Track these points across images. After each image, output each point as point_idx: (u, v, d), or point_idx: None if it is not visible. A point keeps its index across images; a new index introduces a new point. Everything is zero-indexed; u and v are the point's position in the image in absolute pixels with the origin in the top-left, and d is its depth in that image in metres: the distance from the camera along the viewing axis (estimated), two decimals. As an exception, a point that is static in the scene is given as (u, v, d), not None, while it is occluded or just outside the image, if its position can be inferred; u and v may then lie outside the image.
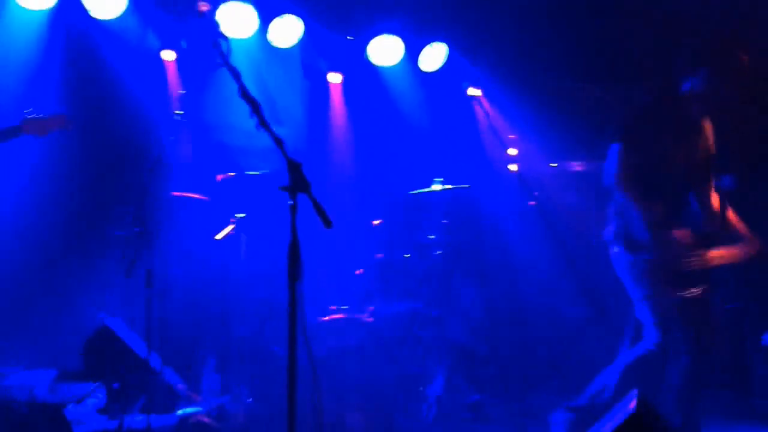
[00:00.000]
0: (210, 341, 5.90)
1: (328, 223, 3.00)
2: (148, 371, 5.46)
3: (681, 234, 4.33)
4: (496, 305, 6.84)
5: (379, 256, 6.01)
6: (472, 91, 6.86)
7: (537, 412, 5.72)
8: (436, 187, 5.78)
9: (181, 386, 5.97)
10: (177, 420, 5.45)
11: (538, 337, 6.60)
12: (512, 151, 6.82)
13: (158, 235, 4.92)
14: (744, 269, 6.22)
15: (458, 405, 5.77)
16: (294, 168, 3.00)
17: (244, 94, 3.21)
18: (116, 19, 5.64)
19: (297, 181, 2.99)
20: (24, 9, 5.60)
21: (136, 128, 5.80)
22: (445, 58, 6.55)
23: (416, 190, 5.89)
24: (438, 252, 6.05)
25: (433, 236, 6.22)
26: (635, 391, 3.69)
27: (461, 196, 6.06)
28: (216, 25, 3.36)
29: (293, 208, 2.98)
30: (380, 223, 6.15)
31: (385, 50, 6.45)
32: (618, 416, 3.53)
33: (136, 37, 5.78)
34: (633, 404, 3.48)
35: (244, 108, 3.24)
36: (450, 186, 5.78)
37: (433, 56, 6.55)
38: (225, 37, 3.34)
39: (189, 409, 5.71)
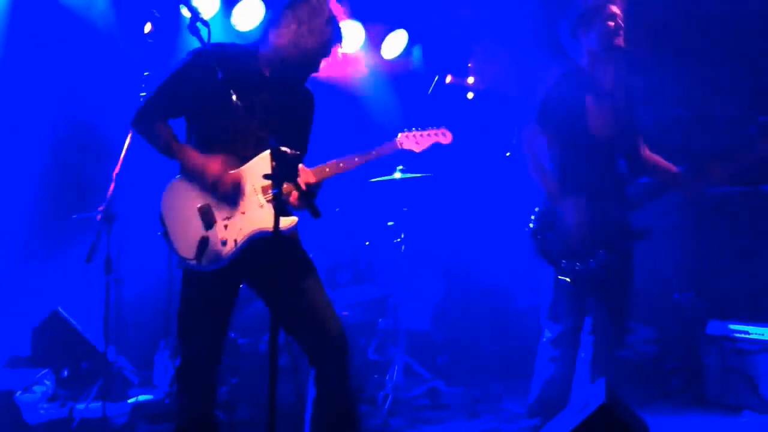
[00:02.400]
0: (165, 327, 5.81)
1: (316, 213, 2.97)
2: (100, 358, 5.37)
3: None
4: (454, 293, 6.91)
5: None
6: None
7: (493, 398, 5.80)
8: (398, 175, 5.77)
9: (134, 373, 5.90)
10: (130, 408, 5.38)
11: (495, 325, 6.68)
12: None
13: (118, 220, 4.84)
14: (691, 259, 6.42)
15: (415, 392, 5.81)
16: (279, 156, 2.95)
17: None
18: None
19: (282, 170, 2.95)
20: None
21: (100, 113, 5.68)
22: (406, 45, 6.57)
23: (377, 178, 5.87)
24: (397, 240, 6.08)
25: (392, 223, 6.25)
26: (602, 381, 3.75)
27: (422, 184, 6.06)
28: (195, 11, 3.26)
29: (277, 197, 2.93)
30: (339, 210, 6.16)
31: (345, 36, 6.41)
32: (586, 406, 3.58)
33: (101, 18, 5.61)
34: (602, 394, 3.54)
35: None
36: (411, 175, 5.78)
37: (394, 43, 6.56)
38: (205, 22, 3.27)
39: (142, 397, 5.65)
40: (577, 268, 4.24)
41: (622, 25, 4.33)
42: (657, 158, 4.49)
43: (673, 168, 4.41)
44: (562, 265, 4.25)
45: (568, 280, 4.26)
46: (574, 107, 4.35)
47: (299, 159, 3.65)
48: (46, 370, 5.55)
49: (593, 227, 4.23)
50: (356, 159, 3.74)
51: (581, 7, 4.38)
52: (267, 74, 3.64)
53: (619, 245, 4.29)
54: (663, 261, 6.24)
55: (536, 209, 4.36)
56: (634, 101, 4.49)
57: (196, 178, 3.55)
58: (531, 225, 4.35)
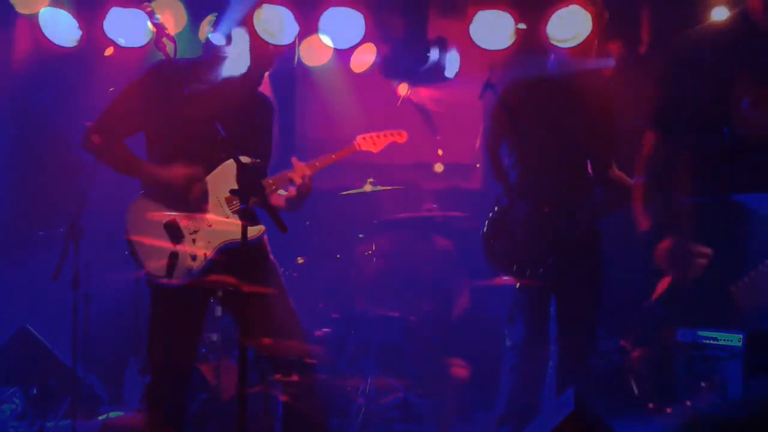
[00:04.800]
0: (134, 343, 5.77)
1: (282, 227, 2.97)
2: (69, 375, 5.32)
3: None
4: (425, 304, 6.90)
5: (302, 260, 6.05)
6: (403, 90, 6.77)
7: (466, 409, 5.82)
8: (368, 188, 5.78)
9: (104, 390, 5.85)
10: (101, 425, 5.34)
11: (467, 335, 6.68)
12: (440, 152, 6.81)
13: (85, 235, 4.81)
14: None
15: (388, 404, 5.80)
16: (245, 170, 2.95)
17: None
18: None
19: (248, 184, 2.95)
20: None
21: (68, 128, 5.62)
22: (374, 59, 6.56)
23: (348, 191, 5.88)
24: (368, 252, 6.09)
25: (362, 235, 6.26)
26: (571, 390, 3.77)
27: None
28: (162, 26, 3.28)
29: (244, 212, 2.93)
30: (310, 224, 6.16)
31: (314, 50, 6.41)
32: (555, 415, 3.60)
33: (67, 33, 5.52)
34: (571, 403, 3.56)
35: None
36: (382, 187, 5.80)
37: (363, 57, 6.55)
38: (171, 38, 3.28)
39: (113, 414, 5.60)
40: (527, 274, 4.26)
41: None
42: (618, 175, 4.51)
43: (629, 182, 4.41)
44: (513, 270, 4.28)
45: (518, 285, 4.30)
46: (526, 111, 4.37)
47: (264, 168, 3.70)
48: (15, 388, 5.50)
49: (544, 233, 4.25)
50: (316, 164, 3.79)
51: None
52: (223, 84, 3.65)
53: (577, 252, 4.30)
54: (632, 269, 6.29)
55: (490, 214, 4.38)
56: (609, 112, 4.48)
57: (160, 191, 3.54)
58: (484, 229, 4.38)
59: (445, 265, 6.91)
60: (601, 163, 4.46)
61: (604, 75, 4.56)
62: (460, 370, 4.72)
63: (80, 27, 5.28)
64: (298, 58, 5.52)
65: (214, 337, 5.40)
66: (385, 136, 4.13)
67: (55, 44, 5.36)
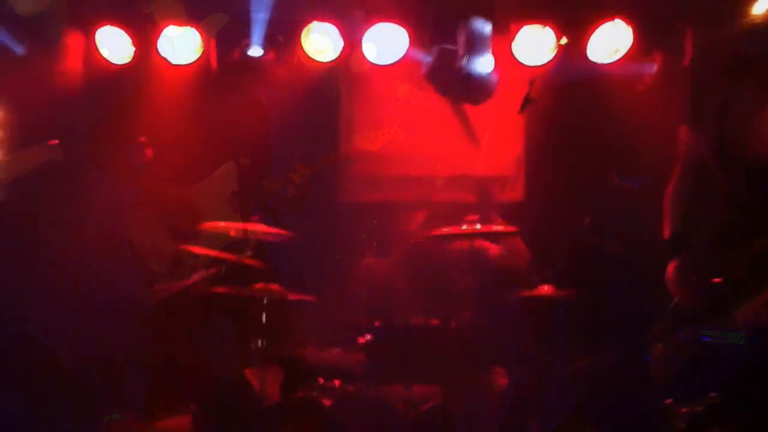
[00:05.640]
0: (135, 343, 5.77)
1: (283, 229, 2.98)
2: (70, 376, 5.35)
3: None
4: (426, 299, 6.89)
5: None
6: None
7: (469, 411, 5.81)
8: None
9: (106, 391, 5.86)
10: (102, 426, 5.36)
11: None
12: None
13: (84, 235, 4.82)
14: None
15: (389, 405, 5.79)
16: (245, 172, 2.96)
17: None
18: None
19: (248, 185, 2.96)
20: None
21: (72, 125, 5.64)
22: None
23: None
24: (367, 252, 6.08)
25: (364, 236, 6.24)
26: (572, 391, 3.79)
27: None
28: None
29: (245, 212, 2.94)
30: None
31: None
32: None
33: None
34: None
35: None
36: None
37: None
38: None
39: (115, 414, 5.61)
40: (538, 275, 4.29)
41: None
42: (617, 182, 4.57)
43: (628, 188, 4.49)
44: (524, 272, 4.32)
45: (528, 293, 4.33)
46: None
47: (264, 170, 3.71)
48: (15, 390, 5.51)
49: (551, 237, 4.30)
50: (316, 164, 3.84)
51: None
52: (225, 88, 3.69)
53: (582, 258, 4.33)
54: (635, 269, 6.29)
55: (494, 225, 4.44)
56: (608, 123, 4.57)
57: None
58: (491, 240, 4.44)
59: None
60: (601, 171, 4.54)
61: (609, 84, 4.62)
62: (500, 378, 4.72)
63: (134, 44, 5.23)
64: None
65: (259, 342, 5.36)
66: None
67: (109, 61, 5.36)
